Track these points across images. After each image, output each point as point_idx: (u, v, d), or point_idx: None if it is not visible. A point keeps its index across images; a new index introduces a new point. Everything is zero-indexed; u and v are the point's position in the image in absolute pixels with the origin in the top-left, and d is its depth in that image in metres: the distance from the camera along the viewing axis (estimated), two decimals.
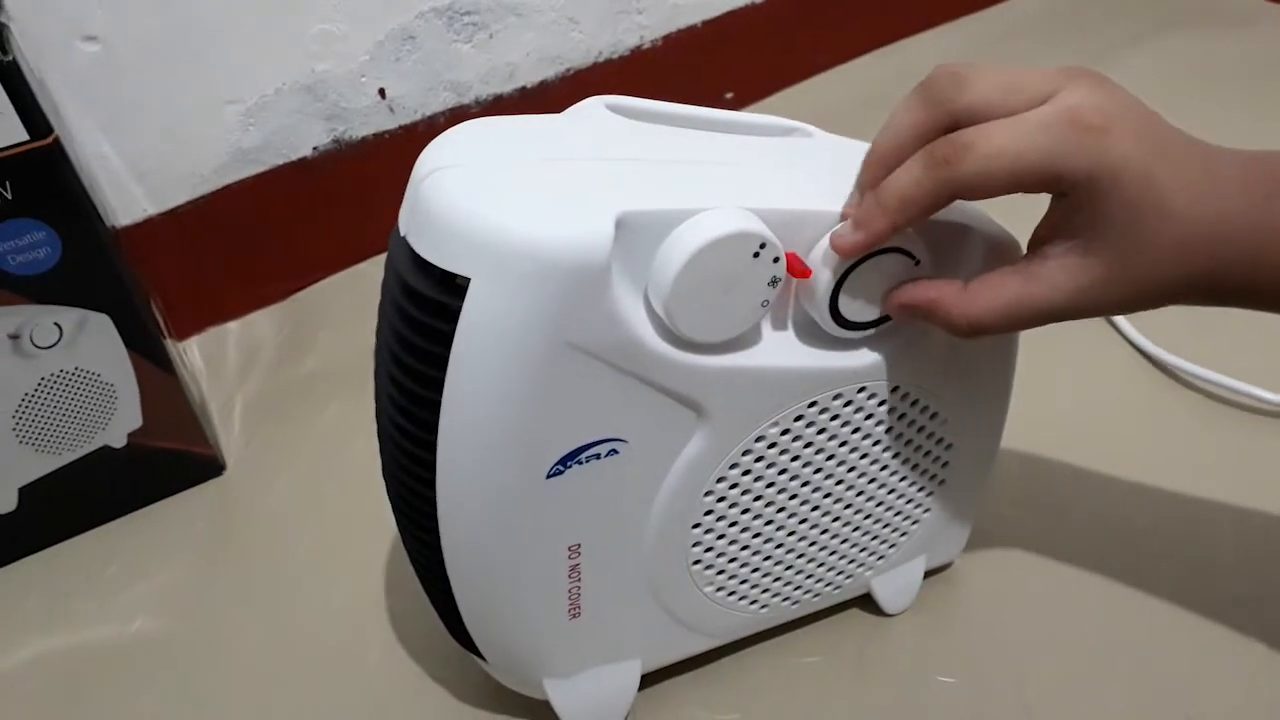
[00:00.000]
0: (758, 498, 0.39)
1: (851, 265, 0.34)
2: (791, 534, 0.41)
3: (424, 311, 0.31)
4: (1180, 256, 0.31)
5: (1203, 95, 0.80)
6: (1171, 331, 0.58)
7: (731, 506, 0.38)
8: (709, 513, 0.38)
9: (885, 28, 0.94)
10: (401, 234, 0.33)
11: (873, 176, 0.34)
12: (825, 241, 0.34)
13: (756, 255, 0.32)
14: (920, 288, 0.35)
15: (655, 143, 0.36)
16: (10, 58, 0.42)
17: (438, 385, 0.32)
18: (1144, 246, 0.31)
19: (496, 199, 0.31)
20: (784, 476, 0.38)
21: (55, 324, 0.48)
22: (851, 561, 0.44)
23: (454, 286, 0.31)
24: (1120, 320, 0.61)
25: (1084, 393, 0.58)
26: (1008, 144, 0.30)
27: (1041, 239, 0.33)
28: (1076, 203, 0.31)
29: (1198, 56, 0.89)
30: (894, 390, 0.38)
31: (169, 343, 0.55)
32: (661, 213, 0.31)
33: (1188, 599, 0.47)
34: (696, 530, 0.38)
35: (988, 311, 0.33)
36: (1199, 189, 0.31)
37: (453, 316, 0.31)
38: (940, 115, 0.32)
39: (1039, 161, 0.30)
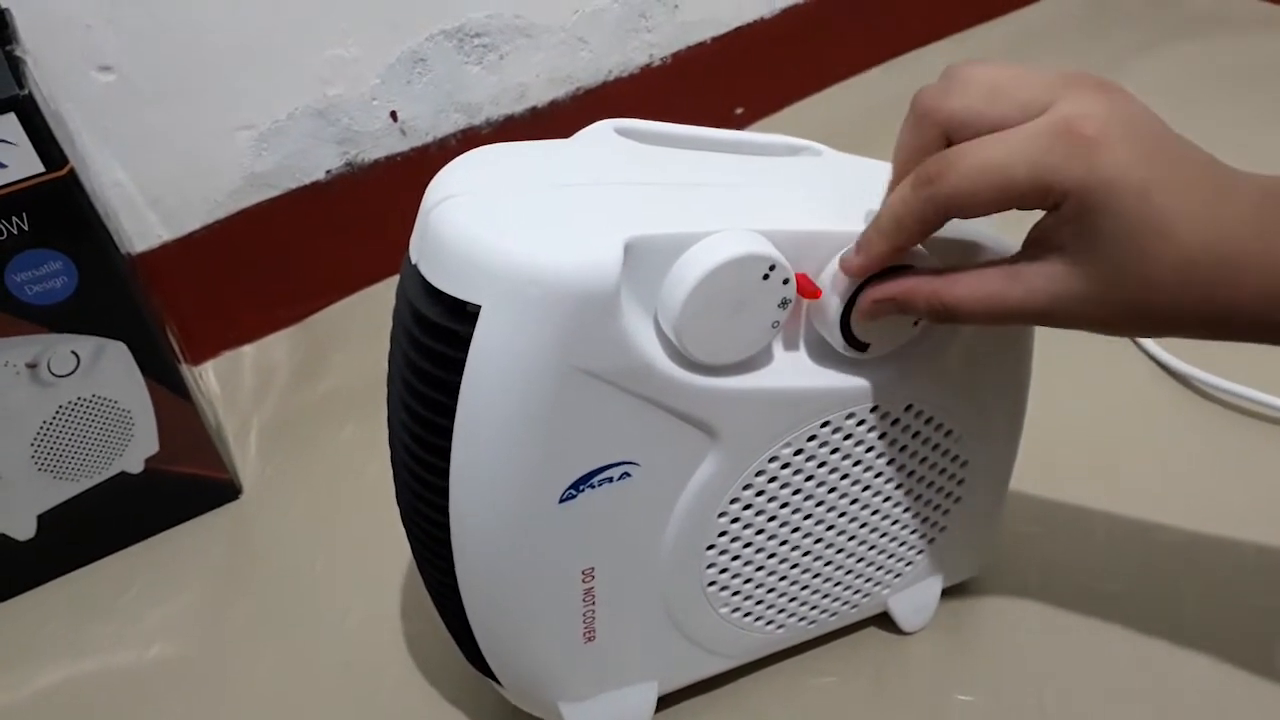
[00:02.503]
0: (772, 518, 0.38)
1: (861, 284, 0.34)
2: (807, 554, 0.40)
3: (435, 339, 0.32)
4: (1180, 285, 0.29)
5: (1212, 102, 0.80)
6: (1188, 342, 0.58)
7: (746, 527, 0.38)
8: (723, 534, 0.38)
9: (894, 40, 0.94)
10: (413, 262, 0.33)
11: (885, 198, 0.33)
12: (835, 262, 0.34)
13: (766, 277, 0.32)
14: (891, 284, 0.33)
15: (663, 166, 0.36)
16: (26, 91, 0.42)
17: (450, 412, 0.32)
18: (1137, 269, 0.29)
19: (505, 226, 0.31)
20: (798, 496, 0.38)
21: (72, 352, 0.48)
22: (868, 580, 0.43)
23: (465, 314, 0.31)
24: None
25: (1101, 406, 0.58)
26: (992, 158, 0.29)
27: (1034, 240, 0.32)
28: (1069, 214, 0.29)
29: (1207, 63, 0.88)
30: (908, 408, 0.38)
31: (185, 368, 0.55)
32: (670, 236, 0.31)
33: (1210, 612, 0.47)
34: (711, 552, 0.38)
35: (967, 299, 0.32)
36: (1207, 214, 0.29)
37: (464, 344, 0.31)
38: (929, 129, 0.31)
39: (1027, 175, 0.29)
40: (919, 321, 0.36)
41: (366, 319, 0.70)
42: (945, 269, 0.33)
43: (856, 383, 0.37)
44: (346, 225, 0.70)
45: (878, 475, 0.40)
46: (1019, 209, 0.30)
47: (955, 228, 0.35)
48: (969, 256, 0.36)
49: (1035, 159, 0.29)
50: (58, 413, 0.50)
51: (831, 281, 0.34)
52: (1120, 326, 0.31)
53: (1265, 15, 0.95)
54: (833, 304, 0.34)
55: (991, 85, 0.30)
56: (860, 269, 0.33)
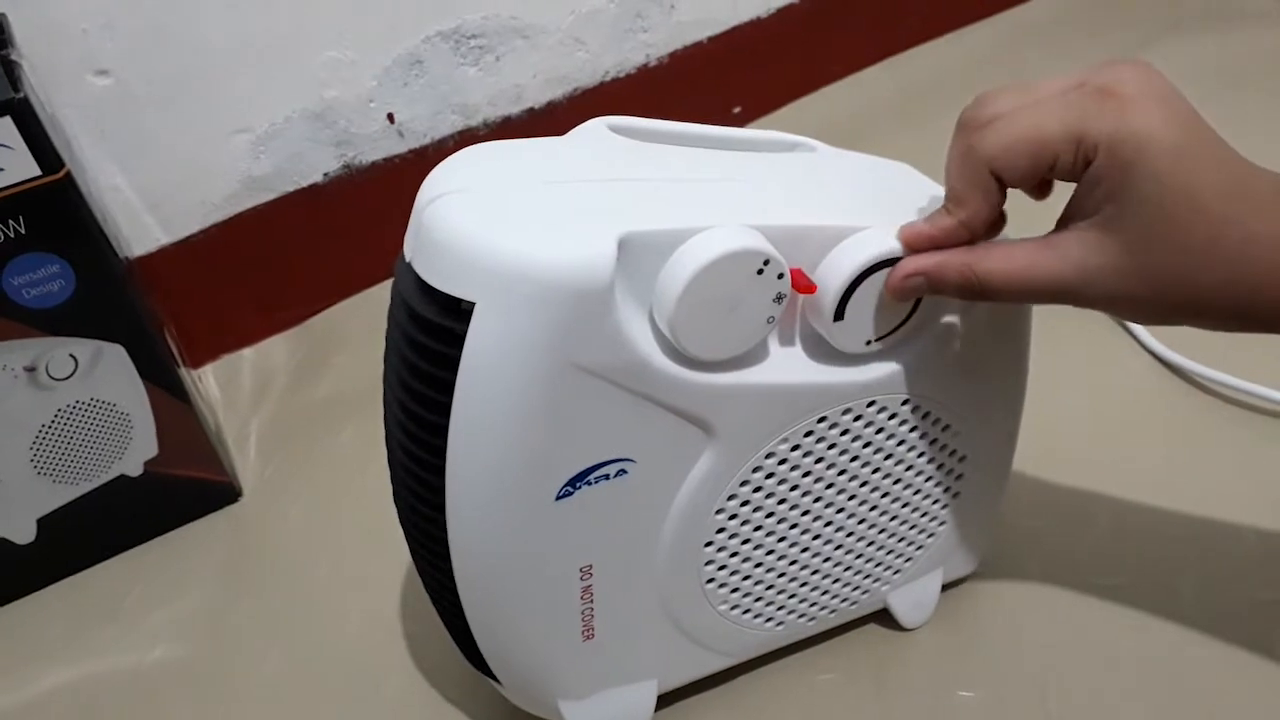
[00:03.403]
0: (770, 514, 0.38)
1: (856, 279, 0.34)
2: (805, 550, 0.40)
3: (430, 336, 0.32)
4: (1207, 258, 0.29)
5: (1213, 99, 0.79)
6: (1186, 335, 0.57)
7: (744, 524, 0.38)
8: (721, 531, 0.38)
9: (892, 38, 0.94)
10: (407, 260, 0.33)
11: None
12: (830, 256, 0.34)
13: (760, 272, 0.32)
14: (922, 257, 0.33)
15: (657, 162, 0.36)
16: (22, 94, 0.42)
17: (445, 410, 0.32)
18: (1169, 235, 0.29)
19: (499, 223, 0.31)
20: (796, 493, 0.38)
21: (71, 356, 0.48)
22: (867, 576, 0.43)
23: (459, 311, 0.31)
24: (1134, 324, 0.61)
25: (1099, 400, 0.58)
26: (1029, 114, 0.30)
27: (1066, 216, 0.32)
28: (1101, 172, 0.30)
29: (1211, 59, 0.88)
30: (904, 403, 0.38)
31: (184, 371, 0.55)
32: (664, 232, 0.31)
33: (1211, 605, 0.46)
34: (709, 549, 0.38)
35: (998, 271, 0.32)
36: (1233, 193, 0.29)
37: (458, 341, 0.31)
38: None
39: (1060, 127, 0.30)
40: (913, 314, 0.36)
41: (365, 321, 0.70)
42: (975, 246, 0.33)
43: (853, 378, 0.36)
44: (345, 227, 0.70)
45: (876, 470, 0.39)
46: (1054, 176, 0.31)
47: None
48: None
49: (1069, 113, 0.30)
50: (56, 416, 0.50)
51: (827, 275, 0.34)
52: (1149, 305, 0.31)
53: (1265, 11, 0.95)
54: (828, 298, 0.34)
55: (1033, 86, 0.31)
56: (919, 241, 0.33)
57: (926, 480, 0.41)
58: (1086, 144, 0.29)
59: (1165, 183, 0.29)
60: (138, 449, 0.53)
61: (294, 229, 0.68)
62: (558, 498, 0.34)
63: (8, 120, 0.42)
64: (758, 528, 0.38)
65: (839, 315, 0.34)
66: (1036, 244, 0.32)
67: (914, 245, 0.33)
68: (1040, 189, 0.34)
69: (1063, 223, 0.32)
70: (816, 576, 0.42)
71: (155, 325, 0.52)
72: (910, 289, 0.34)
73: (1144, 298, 0.31)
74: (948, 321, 0.37)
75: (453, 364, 0.31)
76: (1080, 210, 0.31)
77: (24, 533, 0.52)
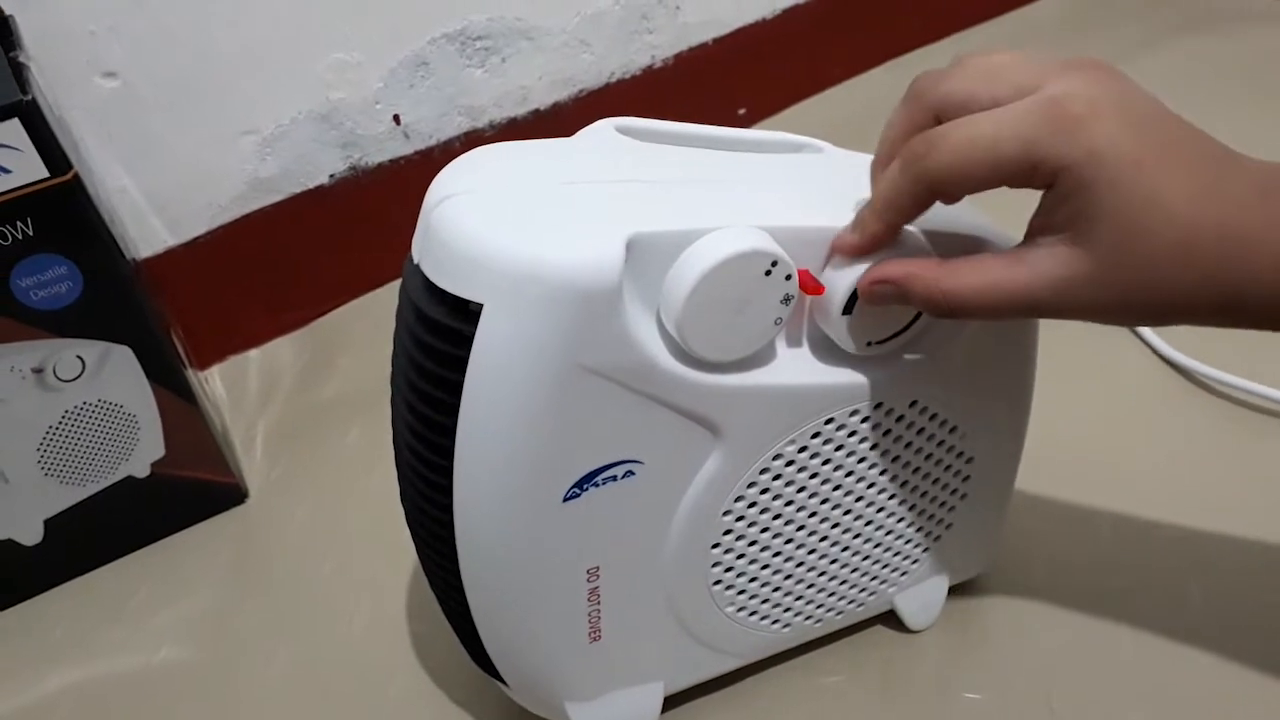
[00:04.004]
0: (777, 516, 0.38)
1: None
2: (812, 552, 0.40)
3: (438, 338, 0.32)
4: (1183, 263, 0.29)
5: (1214, 98, 0.79)
6: (1192, 335, 0.58)
7: (751, 526, 0.38)
8: (728, 532, 0.38)
9: (897, 39, 0.94)
10: (415, 261, 0.33)
11: (872, 181, 0.33)
12: (838, 257, 0.34)
13: (768, 273, 0.32)
14: (891, 264, 0.33)
15: (665, 163, 0.36)
16: (29, 96, 0.42)
17: (452, 411, 0.32)
18: (1137, 245, 0.29)
19: (507, 224, 0.31)
20: (803, 494, 0.38)
21: (78, 357, 0.48)
22: (874, 579, 0.43)
23: (467, 312, 0.31)
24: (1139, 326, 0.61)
25: (1106, 401, 0.57)
26: (981, 133, 0.29)
27: (1035, 229, 0.31)
28: (1063, 192, 0.29)
29: (1209, 59, 0.88)
30: (912, 404, 0.38)
31: (191, 372, 0.55)
32: (672, 233, 0.31)
33: (1218, 609, 0.46)
34: (716, 550, 0.38)
35: (966, 287, 0.31)
36: (1208, 193, 0.28)
37: (466, 342, 0.31)
38: (919, 110, 0.31)
39: (1014, 150, 0.29)
40: (919, 316, 0.36)
41: (372, 322, 0.70)
42: (925, 257, 0.33)
43: (860, 379, 0.36)
44: (351, 229, 0.70)
45: (883, 472, 0.39)
46: (1009, 186, 0.30)
47: (957, 221, 0.35)
48: (973, 253, 0.36)
49: (1023, 134, 0.29)
50: (64, 417, 0.50)
51: (834, 276, 0.34)
52: (1126, 313, 0.31)
53: (1266, 10, 0.95)
54: (836, 299, 0.34)
55: (989, 68, 0.30)
56: (854, 247, 0.33)
57: (933, 482, 0.41)
58: (1044, 170, 0.29)
59: (1128, 195, 0.28)
60: (144, 450, 0.53)
61: (300, 230, 0.68)
62: (565, 499, 0.34)
63: (15, 122, 0.42)
64: (765, 529, 0.38)
65: (847, 313, 0.34)
66: (1005, 260, 0.31)
67: (850, 255, 0.33)
68: None
69: (1030, 236, 0.31)
70: (823, 578, 0.42)
71: (162, 327, 0.52)
72: (879, 295, 0.33)
73: (1120, 306, 0.30)
74: (954, 323, 0.37)
75: (460, 365, 0.31)
76: (1048, 225, 0.30)
77: (31, 534, 0.52)
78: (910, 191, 0.31)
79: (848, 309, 0.34)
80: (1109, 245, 0.29)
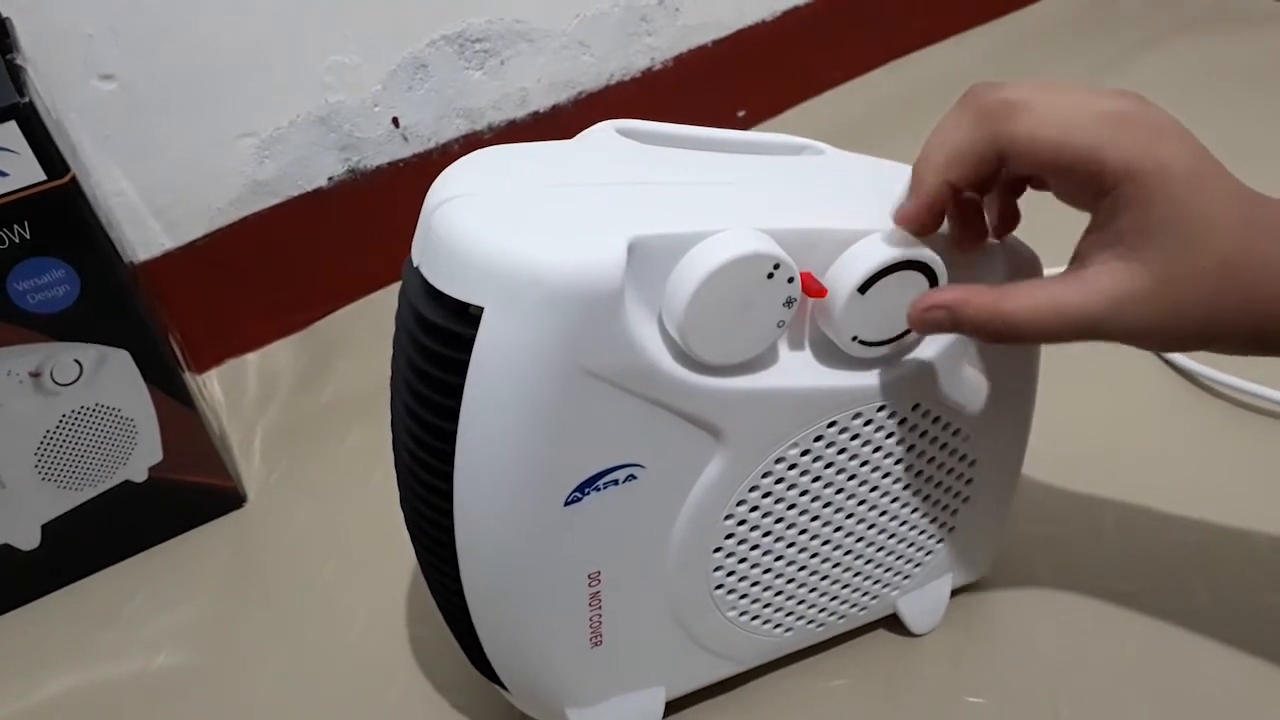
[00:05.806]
0: (779, 520, 0.38)
1: (867, 282, 0.33)
2: (814, 556, 0.40)
3: (438, 341, 0.31)
4: (1225, 278, 0.30)
5: (1214, 101, 0.79)
6: None
7: (753, 529, 0.38)
8: (730, 536, 0.38)
9: (896, 41, 0.94)
10: (414, 264, 0.33)
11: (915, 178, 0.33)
12: (841, 260, 0.34)
13: (770, 276, 0.31)
14: (944, 290, 0.33)
15: (666, 166, 0.36)
16: (27, 99, 0.42)
17: (453, 414, 0.32)
18: (1189, 255, 0.30)
19: (507, 227, 0.31)
20: (805, 498, 0.38)
21: (75, 361, 0.48)
22: (876, 582, 0.43)
23: (467, 316, 0.31)
24: None
25: (1110, 404, 0.57)
26: (1058, 116, 0.30)
27: (1083, 251, 0.32)
28: (1122, 201, 0.30)
29: (1208, 62, 0.88)
30: (914, 408, 0.38)
31: (188, 376, 0.55)
32: (674, 236, 0.31)
33: (1223, 611, 0.46)
34: (718, 554, 0.38)
35: (1021, 310, 0.32)
36: (1246, 217, 0.30)
37: (466, 346, 0.31)
38: (978, 113, 0.32)
39: (1085, 144, 0.30)
40: None
41: (370, 325, 0.70)
42: (973, 284, 0.33)
43: (863, 382, 0.36)
44: (349, 232, 0.70)
45: (885, 475, 0.39)
46: (1053, 185, 0.31)
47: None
48: (975, 255, 0.36)
49: (1097, 132, 0.30)
50: (61, 421, 0.49)
51: (837, 279, 0.33)
52: (1178, 333, 0.31)
53: (1267, 13, 0.95)
54: (838, 302, 0.34)
55: (1044, 82, 0.31)
56: (915, 212, 0.33)
57: (936, 485, 0.41)
58: (1108, 172, 0.30)
59: (1186, 211, 0.29)
60: (142, 454, 0.53)
61: (299, 233, 0.68)
62: (566, 503, 0.33)
63: (12, 125, 0.42)
64: (767, 533, 0.38)
65: (849, 316, 0.34)
66: (1060, 280, 0.32)
67: (913, 221, 0.33)
68: (980, 190, 0.34)
69: (1080, 257, 0.32)
70: (826, 582, 0.41)
71: (160, 330, 0.52)
72: (931, 322, 0.33)
73: (1166, 325, 0.31)
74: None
75: (461, 369, 0.31)
76: (1100, 242, 0.31)
77: (29, 539, 0.52)
78: (981, 147, 0.31)
79: (864, 289, 0.33)
80: (1165, 259, 0.30)
